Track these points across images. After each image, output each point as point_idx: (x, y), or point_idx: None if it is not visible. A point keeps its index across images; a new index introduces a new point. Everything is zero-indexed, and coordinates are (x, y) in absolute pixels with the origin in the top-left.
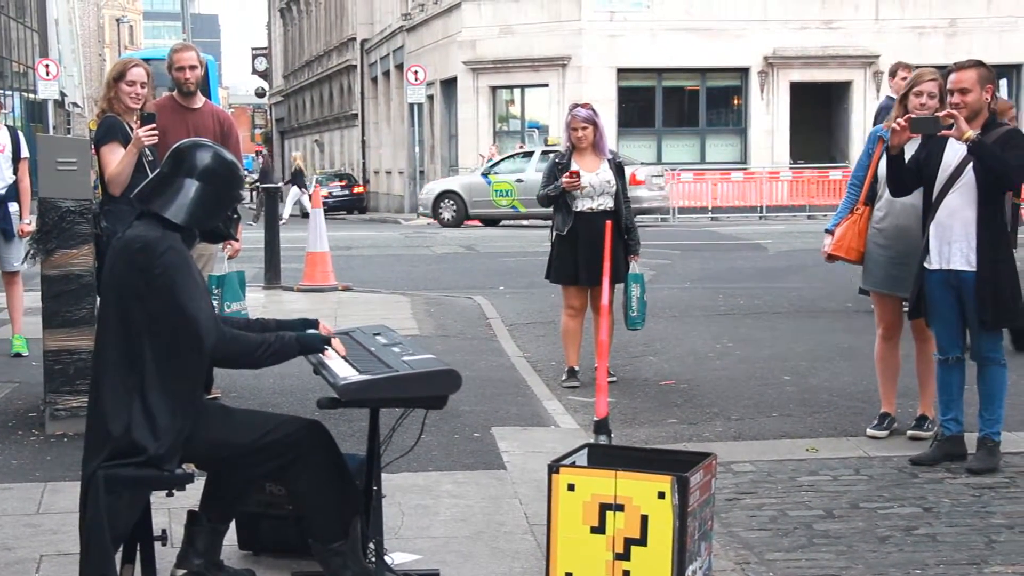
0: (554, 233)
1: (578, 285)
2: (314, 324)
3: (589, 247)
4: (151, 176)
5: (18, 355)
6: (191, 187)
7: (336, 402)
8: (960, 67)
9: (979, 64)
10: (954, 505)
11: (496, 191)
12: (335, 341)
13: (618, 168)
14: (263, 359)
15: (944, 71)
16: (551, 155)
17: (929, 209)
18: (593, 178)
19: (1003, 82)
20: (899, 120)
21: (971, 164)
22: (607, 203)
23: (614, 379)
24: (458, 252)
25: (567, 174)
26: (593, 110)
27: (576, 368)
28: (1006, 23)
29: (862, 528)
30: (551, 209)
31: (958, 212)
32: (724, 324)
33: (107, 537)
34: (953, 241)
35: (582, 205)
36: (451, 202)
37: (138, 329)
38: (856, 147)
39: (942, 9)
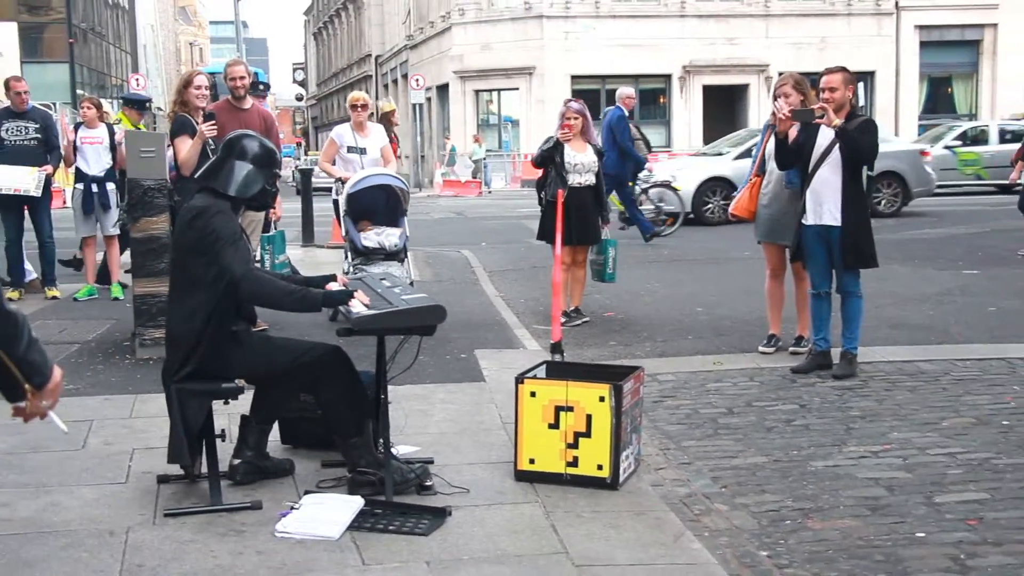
0: (545, 201)
1: (570, 245)
2: (333, 278)
3: (578, 214)
4: (210, 160)
5: (116, 299)
6: (240, 167)
7: (351, 332)
8: (829, 71)
9: (843, 69)
10: (822, 402)
11: None
12: (358, 293)
13: (598, 152)
14: (288, 304)
15: (817, 75)
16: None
17: (806, 179)
18: (583, 158)
19: (860, 84)
20: (784, 112)
21: (838, 145)
22: (591, 179)
23: (587, 319)
24: (450, 217)
25: (561, 126)
26: (583, 104)
27: (568, 309)
28: (862, 40)
29: (754, 421)
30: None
31: (828, 181)
32: (653, 269)
33: (182, 434)
34: (824, 203)
35: (572, 180)
36: None
37: (197, 276)
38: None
39: (815, 29)
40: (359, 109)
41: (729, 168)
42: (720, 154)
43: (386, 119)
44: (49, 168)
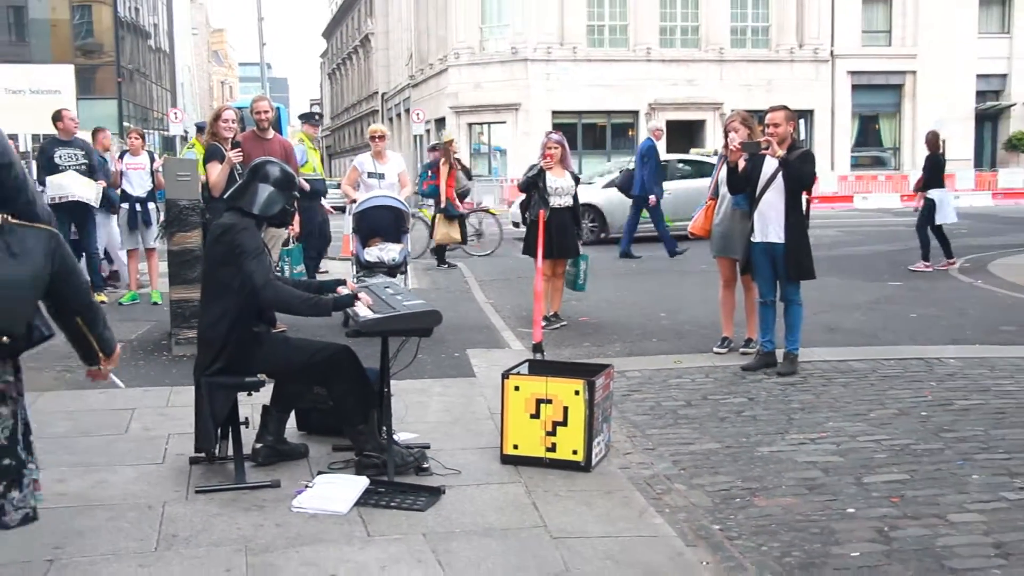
0: (529, 220)
1: (550, 258)
2: (343, 283)
3: (558, 231)
4: (237, 183)
5: (156, 303)
6: (262, 189)
7: (359, 333)
8: (774, 109)
9: (785, 107)
10: (768, 396)
11: None
12: (361, 295)
13: (575, 178)
14: (303, 310)
15: (764, 112)
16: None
17: (754, 202)
18: (563, 183)
19: (801, 120)
20: (735, 144)
21: (781, 173)
22: (569, 201)
23: (564, 323)
24: None
25: (543, 155)
26: (563, 136)
27: (549, 314)
28: (803, 83)
29: (709, 412)
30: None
31: (773, 204)
32: (622, 281)
33: (210, 422)
34: (770, 223)
35: (553, 202)
36: None
37: (225, 285)
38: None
39: (763, 73)
40: (377, 140)
41: (598, 196)
42: (590, 183)
43: (446, 149)
44: (103, 182)
